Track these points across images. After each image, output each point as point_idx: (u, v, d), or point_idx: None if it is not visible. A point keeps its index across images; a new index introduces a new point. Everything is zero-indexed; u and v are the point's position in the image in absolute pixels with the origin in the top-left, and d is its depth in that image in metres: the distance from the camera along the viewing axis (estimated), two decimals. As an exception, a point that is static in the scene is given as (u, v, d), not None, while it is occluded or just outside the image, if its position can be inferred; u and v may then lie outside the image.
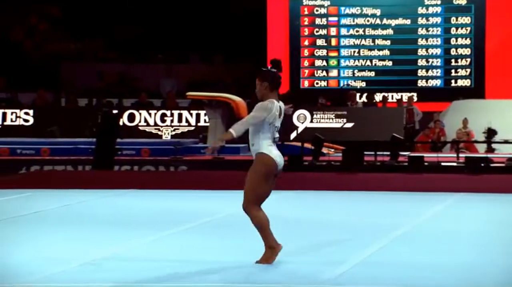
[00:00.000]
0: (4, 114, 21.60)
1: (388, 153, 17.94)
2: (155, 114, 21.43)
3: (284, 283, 6.69)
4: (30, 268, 7.23)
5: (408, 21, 23.56)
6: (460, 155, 18.17)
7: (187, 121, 21.41)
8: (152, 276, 6.96)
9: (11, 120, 21.56)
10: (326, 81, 23.90)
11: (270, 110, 7.36)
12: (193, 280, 6.79)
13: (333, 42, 23.73)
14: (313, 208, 11.81)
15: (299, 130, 21.22)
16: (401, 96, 23.45)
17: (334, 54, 23.77)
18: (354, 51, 23.74)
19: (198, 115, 21.40)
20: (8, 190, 13.29)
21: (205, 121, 21.01)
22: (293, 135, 21.09)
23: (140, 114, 21.40)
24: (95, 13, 26.76)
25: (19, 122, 21.56)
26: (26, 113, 21.64)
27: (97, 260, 7.59)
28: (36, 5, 26.79)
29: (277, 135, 7.48)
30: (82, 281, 6.78)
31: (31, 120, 21.55)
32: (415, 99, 23.01)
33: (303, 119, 21.32)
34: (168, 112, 21.51)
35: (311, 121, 21.22)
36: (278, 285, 6.64)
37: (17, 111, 21.68)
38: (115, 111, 18.66)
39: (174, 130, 21.36)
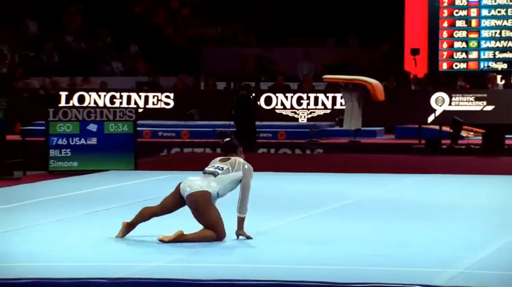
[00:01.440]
0: (146, 97, 22.09)
1: (530, 136, 17.37)
2: (292, 97, 21.45)
3: (426, 267, 6.56)
4: (168, 248, 7.33)
5: (554, 0, 22.71)
6: None
7: (323, 104, 21.34)
8: (287, 257, 6.95)
9: (153, 103, 22.03)
10: (465, 63, 23.32)
11: None
12: (335, 262, 6.73)
13: (474, 23, 23.11)
14: (452, 192, 11.55)
15: (437, 113, 20.81)
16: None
17: (474, 35, 23.14)
18: (495, 32, 23.05)
19: (334, 98, 21.28)
20: (150, 172, 13.58)
21: (341, 104, 20.88)
22: (431, 118, 20.72)
23: (276, 97, 21.46)
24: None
25: (160, 105, 22.01)
26: (167, 97, 22.06)
27: (234, 241, 7.63)
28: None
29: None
30: (215, 261, 6.83)
31: (172, 103, 21.97)
32: (560, 81, 22.17)
33: (441, 102, 20.89)
34: (304, 95, 21.49)
35: (450, 104, 20.77)
36: (420, 268, 6.52)
37: (159, 94, 22.13)
38: (253, 94, 18.76)
39: (310, 113, 21.32)
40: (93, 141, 14.00)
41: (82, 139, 13.98)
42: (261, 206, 9.99)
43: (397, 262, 6.80)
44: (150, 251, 7.19)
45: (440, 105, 20.76)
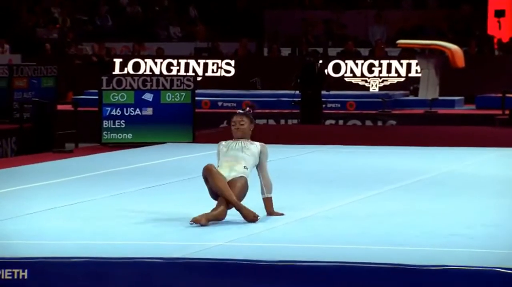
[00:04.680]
0: (206, 65, 22.16)
1: None
2: (362, 64, 21.32)
3: (507, 249, 6.50)
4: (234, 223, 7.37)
5: None
6: None
7: (396, 71, 21.17)
8: (357, 237, 6.93)
9: (212, 71, 22.10)
10: (554, 27, 22.92)
11: None
12: (409, 243, 6.68)
13: None
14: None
15: (522, 81, 20.48)
16: None
17: None
18: None
19: (409, 65, 21.10)
20: (208, 145, 13.62)
21: (416, 71, 20.69)
22: (515, 87, 20.38)
23: (346, 64, 21.35)
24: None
25: (220, 73, 22.06)
26: (228, 64, 22.10)
27: (300, 219, 7.64)
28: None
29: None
30: (286, 241, 6.84)
31: (233, 71, 21.99)
32: None
33: (527, 69, 20.55)
34: (376, 62, 21.34)
35: (536, 72, 20.43)
36: (500, 250, 6.46)
37: (219, 61, 22.18)
38: (320, 61, 18.69)
39: (382, 81, 21.18)
40: (149, 111, 14.10)
41: (137, 110, 14.10)
42: (328, 182, 9.98)
43: (476, 243, 6.74)
44: (208, 230, 7.23)
45: (526, 73, 20.44)
